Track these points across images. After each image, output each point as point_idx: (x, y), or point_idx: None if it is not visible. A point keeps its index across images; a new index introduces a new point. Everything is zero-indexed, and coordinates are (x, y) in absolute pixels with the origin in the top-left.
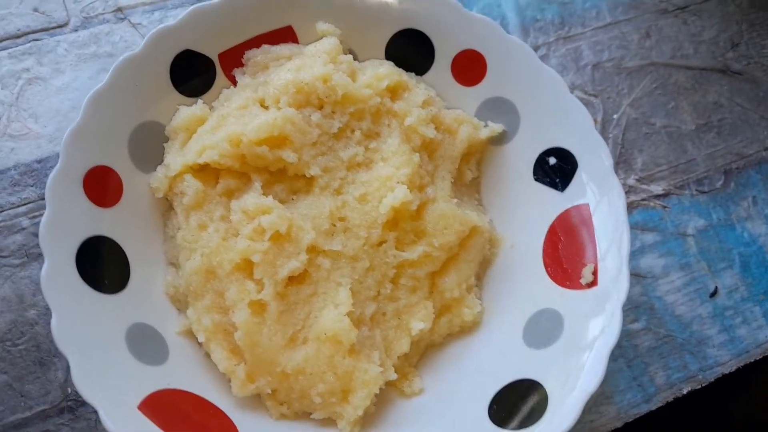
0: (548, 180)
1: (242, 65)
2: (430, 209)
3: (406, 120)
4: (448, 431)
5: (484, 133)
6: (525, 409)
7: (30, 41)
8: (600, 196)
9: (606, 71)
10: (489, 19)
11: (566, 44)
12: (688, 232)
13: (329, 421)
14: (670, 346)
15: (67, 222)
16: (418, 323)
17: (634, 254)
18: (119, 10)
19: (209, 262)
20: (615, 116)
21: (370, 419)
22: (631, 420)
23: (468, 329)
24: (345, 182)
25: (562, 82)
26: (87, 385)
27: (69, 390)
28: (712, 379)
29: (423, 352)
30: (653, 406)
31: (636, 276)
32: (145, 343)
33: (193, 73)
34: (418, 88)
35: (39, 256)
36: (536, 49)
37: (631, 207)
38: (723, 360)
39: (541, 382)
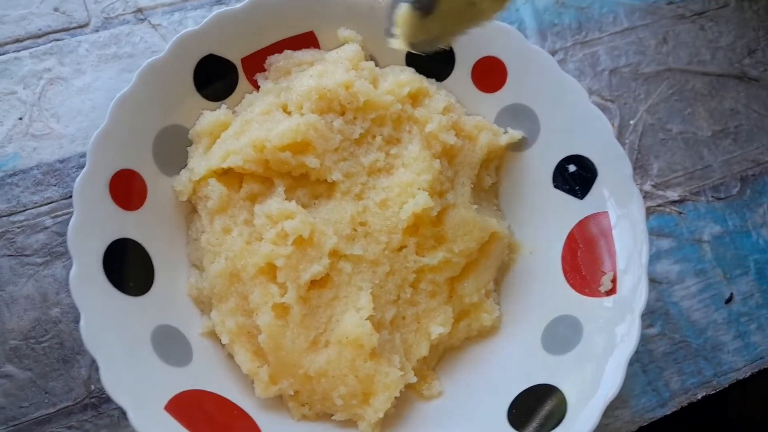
0: (567, 187)
1: (264, 70)
2: (450, 215)
3: (427, 126)
4: None
5: (504, 140)
6: (544, 414)
7: (51, 41)
8: (619, 204)
9: (623, 77)
10: (510, 27)
11: (583, 49)
12: (704, 238)
13: (350, 423)
14: (685, 351)
15: (94, 225)
16: (438, 328)
17: (650, 260)
18: (139, 10)
19: (233, 266)
20: (632, 122)
21: (389, 421)
22: (646, 424)
23: (486, 334)
24: (366, 187)
25: (582, 90)
26: (116, 386)
27: (92, 387)
28: (727, 385)
29: (441, 355)
30: (668, 410)
31: (651, 281)
32: (170, 345)
33: (216, 78)
34: (438, 95)
35: (62, 255)
36: (553, 53)
37: (646, 213)
38: (737, 366)
39: (560, 388)
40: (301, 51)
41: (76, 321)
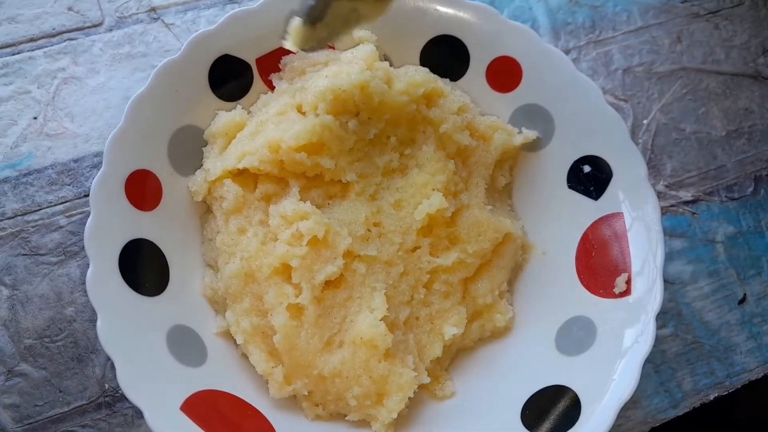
0: (582, 188)
1: (279, 70)
2: (464, 216)
3: (441, 127)
4: None
5: (518, 140)
6: (558, 415)
7: (65, 40)
8: (634, 206)
9: (636, 76)
10: (525, 27)
11: (597, 48)
12: (717, 238)
13: (363, 423)
14: (697, 352)
15: (110, 226)
16: (451, 328)
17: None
18: (153, 10)
19: (248, 266)
20: (645, 121)
21: (402, 421)
22: (658, 425)
23: (499, 334)
24: (380, 188)
25: (598, 91)
26: (132, 387)
27: (106, 386)
28: (739, 386)
29: (455, 355)
30: (680, 411)
31: (664, 282)
32: (185, 345)
33: (230, 78)
34: (453, 95)
35: (76, 254)
36: (567, 52)
37: (660, 213)
38: (750, 367)
39: (574, 389)
40: (316, 51)
41: (91, 320)
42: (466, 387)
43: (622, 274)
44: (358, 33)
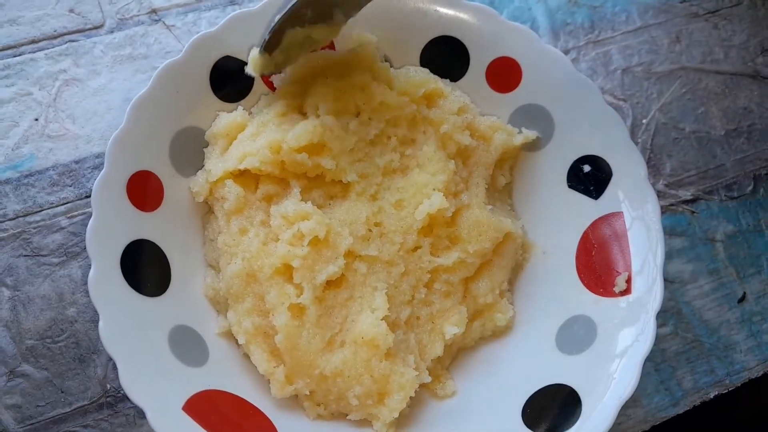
0: (582, 187)
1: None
2: (465, 216)
3: (442, 127)
4: None
5: (518, 140)
6: (559, 414)
7: (66, 42)
8: (634, 205)
9: (635, 76)
10: (525, 27)
11: (596, 48)
12: (717, 237)
13: (365, 422)
14: (697, 350)
15: (112, 227)
16: (452, 328)
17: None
18: (154, 11)
19: (250, 266)
20: (644, 121)
21: (403, 420)
22: (658, 423)
23: (500, 333)
24: (381, 188)
25: (597, 91)
26: (135, 387)
27: (108, 386)
28: (739, 384)
29: (455, 355)
30: (680, 409)
31: (664, 281)
32: (187, 345)
33: (232, 79)
34: (453, 95)
35: (78, 255)
36: (566, 53)
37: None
38: (750, 365)
39: (575, 388)
40: (316, 52)
41: (92, 320)
42: (467, 386)
43: (623, 273)
44: (359, 34)
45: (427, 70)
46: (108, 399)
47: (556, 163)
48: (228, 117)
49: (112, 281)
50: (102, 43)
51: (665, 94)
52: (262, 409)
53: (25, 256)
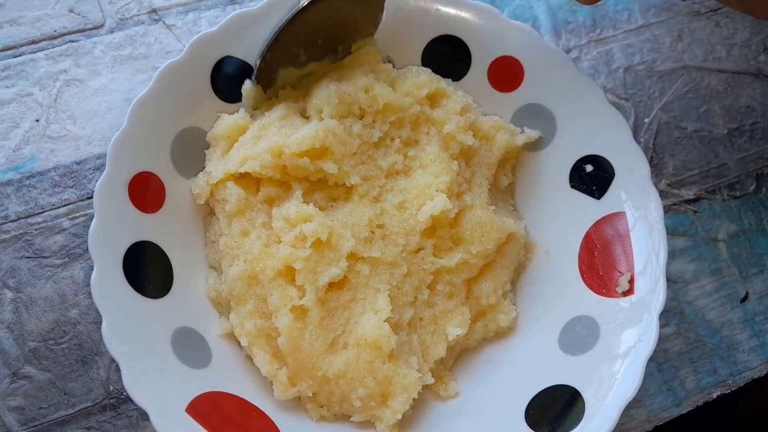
0: (585, 187)
1: None
2: (468, 216)
3: (445, 128)
4: None
5: (521, 140)
6: (562, 415)
7: (66, 42)
8: (637, 205)
9: (637, 74)
10: (527, 26)
11: (598, 47)
12: (719, 237)
13: (368, 423)
14: (700, 350)
15: (114, 229)
16: (455, 329)
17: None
18: (154, 11)
19: (252, 268)
20: (646, 120)
21: (406, 421)
22: (661, 423)
23: (503, 334)
24: (384, 190)
25: (599, 89)
26: (138, 389)
27: (111, 388)
28: (742, 384)
29: (458, 356)
30: (683, 409)
31: (666, 280)
32: (190, 347)
33: (233, 79)
34: (456, 95)
35: (80, 257)
36: (568, 51)
37: None
38: (753, 365)
39: (578, 389)
40: None
41: (95, 322)
42: (469, 387)
43: (625, 274)
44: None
45: (429, 70)
46: (111, 401)
47: (558, 162)
48: (229, 119)
49: (115, 283)
50: (102, 43)
51: (667, 92)
52: (265, 411)
53: (27, 257)
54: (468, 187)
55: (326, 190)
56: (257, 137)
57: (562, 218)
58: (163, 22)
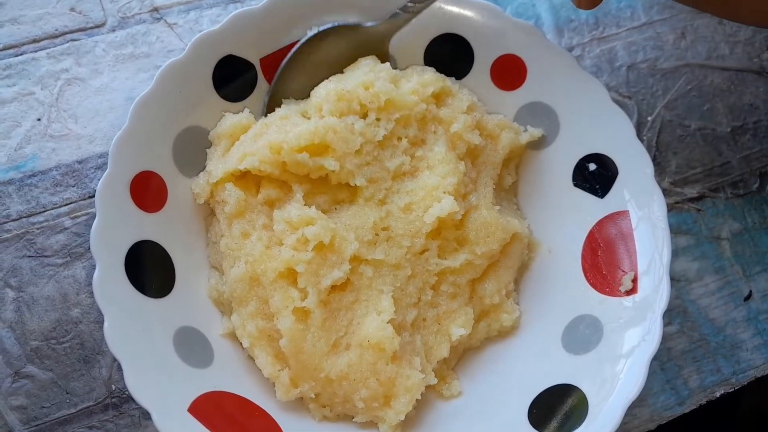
0: (588, 186)
1: None
2: (473, 217)
3: (452, 127)
4: None
5: (524, 138)
6: (565, 414)
7: (68, 41)
8: (641, 203)
9: (641, 72)
10: (529, 24)
11: (600, 45)
12: (723, 235)
13: (371, 423)
14: (703, 349)
15: (116, 228)
16: (459, 329)
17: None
18: (155, 9)
19: (253, 270)
20: (649, 118)
21: (409, 421)
22: (664, 422)
23: (506, 333)
24: (390, 192)
25: (603, 89)
26: (140, 389)
27: (113, 387)
28: (746, 383)
29: (461, 355)
30: (687, 408)
31: (670, 279)
32: (192, 347)
33: (235, 78)
34: (461, 94)
35: (81, 256)
36: (570, 49)
37: None
38: (756, 363)
39: (581, 388)
40: None
41: (97, 321)
42: (472, 386)
43: (629, 273)
44: None
45: (433, 69)
46: (113, 400)
47: (561, 161)
48: (233, 118)
49: (117, 282)
50: (104, 42)
51: (671, 90)
52: (267, 411)
53: (29, 257)
54: (473, 187)
55: (329, 192)
56: (258, 135)
57: (565, 217)
58: (165, 20)
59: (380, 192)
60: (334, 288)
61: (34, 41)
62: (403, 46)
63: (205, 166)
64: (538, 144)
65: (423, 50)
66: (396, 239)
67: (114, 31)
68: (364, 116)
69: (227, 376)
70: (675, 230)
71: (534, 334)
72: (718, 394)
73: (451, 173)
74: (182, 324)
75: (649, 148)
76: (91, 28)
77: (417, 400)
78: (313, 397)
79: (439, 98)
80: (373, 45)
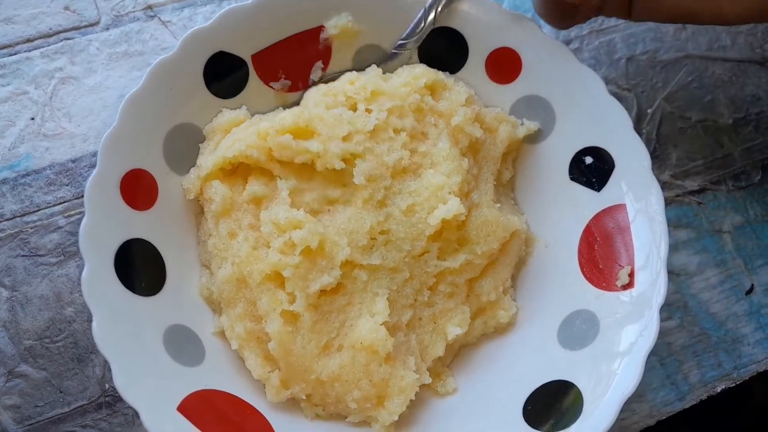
0: (584, 179)
1: (275, 66)
2: (474, 216)
3: (453, 119)
4: (482, 431)
5: (521, 132)
6: (560, 411)
7: (62, 40)
8: (638, 197)
9: (640, 64)
10: (524, 16)
11: (599, 37)
12: (724, 228)
13: (364, 423)
14: (704, 344)
15: (105, 226)
16: (455, 328)
17: (668, 251)
18: (149, 7)
19: (240, 272)
20: (649, 111)
21: (403, 419)
22: (664, 418)
23: (502, 329)
24: (390, 192)
25: (599, 81)
26: (128, 388)
27: (107, 386)
28: (747, 377)
29: (457, 352)
30: (687, 404)
31: (670, 273)
32: (182, 345)
33: (226, 75)
34: (458, 86)
35: (75, 255)
36: (569, 42)
37: (665, 203)
38: (758, 358)
39: (576, 384)
40: None
41: (90, 320)
42: (468, 383)
43: (626, 267)
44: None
45: (424, 65)
46: (107, 398)
47: (557, 155)
48: (230, 113)
49: (106, 281)
50: (98, 41)
51: (671, 82)
52: (259, 409)
53: (22, 256)
54: (475, 184)
55: (318, 188)
56: (249, 126)
57: (562, 211)
58: (159, 18)
59: (379, 192)
60: (325, 291)
61: (28, 41)
62: (396, 41)
63: (196, 163)
64: (534, 138)
65: (417, 48)
66: (395, 243)
67: (108, 29)
68: (354, 109)
69: (218, 374)
70: (675, 224)
71: (530, 330)
72: (719, 390)
73: (455, 171)
74: (173, 322)
75: (649, 141)
76: (85, 26)
77: (411, 399)
78: (305, 397)
79: (434, 91)
80: None
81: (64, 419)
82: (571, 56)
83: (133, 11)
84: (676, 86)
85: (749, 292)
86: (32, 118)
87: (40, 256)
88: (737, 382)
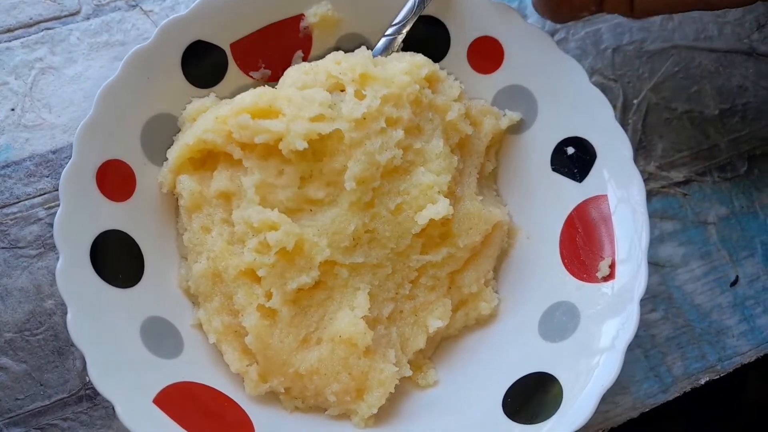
0: (566, 170)
1: (254, 55)
2: (457, 209)
3: (448, 115)
4: (461, 423)
5: (504, 123)
6: (539, 402)
7: (42, 30)
8: (619, 187)
9: (626, 55)
10: (507, 5)
11: (585, 27)
12: (709, 220)
13: (343, 415)
14: (688, 336)
15: (80, 217)
16: (436, 321)
17: (653, 243)
18: None
19: (215, 266)
20: (635, 101)
21: (383, 411)
22: (647, 410)
23: (484, 321)
24: (379, 193)
25: (581, 70)
26: (103, 380)
27: (87, 379)
28: (731, 369)
29: (438, 344)
30: (670, 396)
31: (654, 265)
32: (160, 337)
33: (204, 64)
34: (450, 80)
35: (55, 247)
36: (555, 32)
37: (650, 194)
38: (742, 350)
39: (556, 376)
40: None
41: None
42: (450, 375)
43: (606, 258)
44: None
45: (422, 55)
46: (87, 391)
47: (539, 145)
48: (198, 102)
49: (81, 273)
50: (78, 30)
51: (657, 73)
52: (237, 401)
53: (2, 248)
54: (460, 178)
55: (292, 186)
56: (213, 111)
57: (544, 202)
58: (141, 7)
59: (367, 194)
60: (303, 287)
61: (8, 30)
62: (378, 29)
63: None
64: (516, 128)
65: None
66: (380, 241)
67: (89, 18)
68: (337, 90)
69: (197, 366)
70: (660, 215)
71: (512, 322)
72: (702, 382)
73: (446, 170)
74: (151, 314)
75: (634, 132)
76: (66, 16)
77: (391, 392)
78: (284, 391)
79: (431, 83)
80: None
81: (45, 412)
82: (553, 45)
83: (115, 1)
84: (663, 77)
85: (734, 283)
86: (12, 109)
87: (19, 248)
88: (721, 375)
